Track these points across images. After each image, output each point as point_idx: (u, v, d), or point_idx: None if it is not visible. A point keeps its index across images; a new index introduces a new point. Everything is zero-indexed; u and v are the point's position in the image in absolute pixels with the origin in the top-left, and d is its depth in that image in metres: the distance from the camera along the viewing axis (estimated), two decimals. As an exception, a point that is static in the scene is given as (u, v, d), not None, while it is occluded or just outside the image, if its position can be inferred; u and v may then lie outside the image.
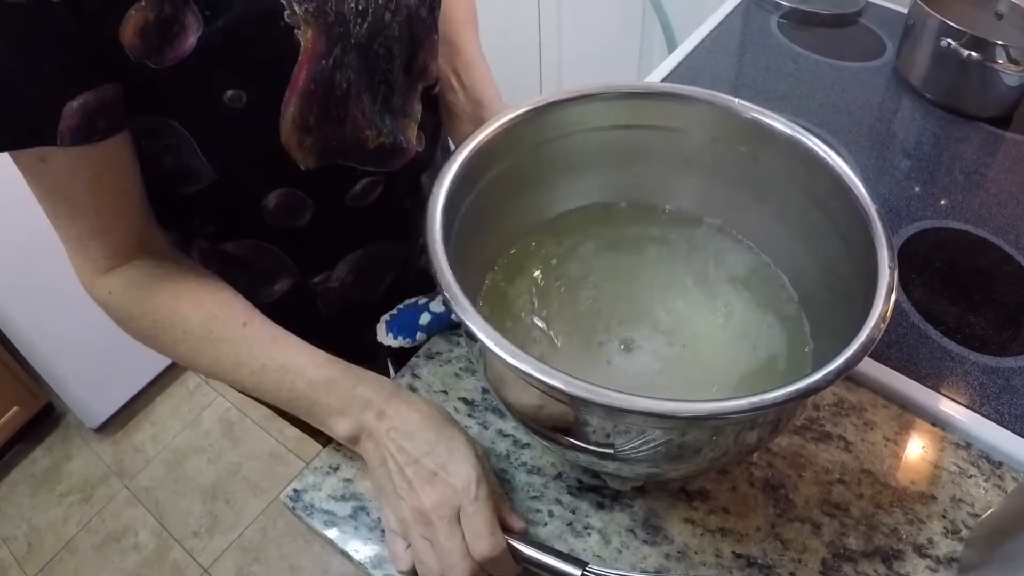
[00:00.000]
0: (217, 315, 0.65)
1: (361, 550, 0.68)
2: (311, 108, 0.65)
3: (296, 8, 0.60)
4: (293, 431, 2.00)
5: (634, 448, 0.57)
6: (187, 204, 0.71)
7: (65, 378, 1.88)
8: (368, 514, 0.70)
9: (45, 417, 2.07)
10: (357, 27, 0.66)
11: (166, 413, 2.08)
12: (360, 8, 0.66)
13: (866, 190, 0.63)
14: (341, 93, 0.67)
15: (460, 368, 0.80)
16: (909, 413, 0.76)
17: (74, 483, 1.96)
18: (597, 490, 0.71)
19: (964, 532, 0.67)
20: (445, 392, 0.78)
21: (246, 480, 1.92)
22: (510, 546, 0.60)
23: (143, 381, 2.07)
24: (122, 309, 0.66)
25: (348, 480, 0.72)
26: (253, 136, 0.65)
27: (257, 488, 1.90)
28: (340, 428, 0.64)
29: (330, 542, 0.69)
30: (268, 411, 2.13)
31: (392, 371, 1.19)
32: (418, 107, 0.82)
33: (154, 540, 1.83)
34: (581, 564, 0.61)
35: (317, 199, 0.75)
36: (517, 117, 0.69)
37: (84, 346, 1.86)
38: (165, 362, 2.11)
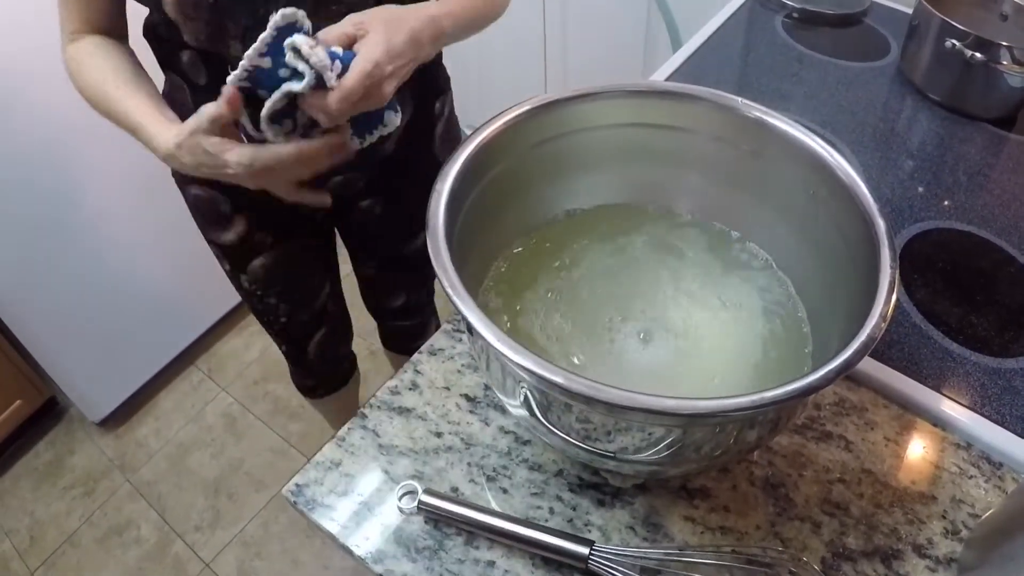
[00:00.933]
0: (127, 69, 0.85)
1: (362, 545, 0.68)
2: (186, 5, 0.80)
3: None
4: (296, 427, 2.01)
5: (634, 445, 0.58)
6: None
7: (69, 372, 1.88)
8: (370, 510, 0.70)
9: (48, 411, 2.07)
10: None
11: (169, 408, 2.08)
12: None
13: (868, 190, 0.63)
14: (210, 4, 0.79)
15: (462, 364, 0.81)
16: (910, 413, 0.76)
17: (77, 477, 1.96)
18: (598, 487, 0.71)
19: (964, 532, 0.68)
20: (447, 388, 0.79)
21: (248, 475, 1.92)
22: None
23: (146, 376, 2.08)
24: (74, 64, 0.86)
25: (350, 476, 0.73)
26: (151, 4, 0.83)
27: (259, 483, 1.90)
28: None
29: (331, 537, 0.69)
30: (271, 407, 2.14)
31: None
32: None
33: (156, 534, 1.84)
34: (588, 543, 0.63)
35: (206, 68, 0.89)
36: (522, 114, 0.69)
37: (88, 340, 1.87)
38: (169, 357, 2.11)
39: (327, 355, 1.37)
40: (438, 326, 1.41)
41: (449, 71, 1.09)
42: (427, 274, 1.27)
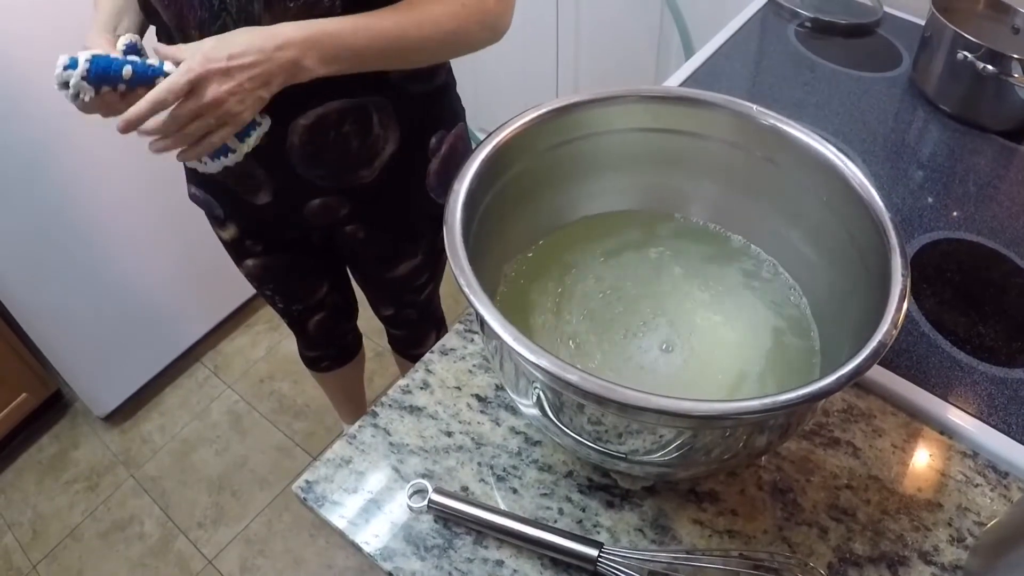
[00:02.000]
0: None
1: (371, 542, 0.69)
2: None
3: None
4: (301, 425, 2.01)
5: (645, 447, 0.58)
6: None
7: (75, 366, 1.89)
8: (379, 507, 0.71)
9: (53, 404, 2.08)
10: None
11: (174, 404, 2.09)
12: None
13: (881, 199, 0.63)
14: None
15: (474, 365, 0.81)
16: (917, 421, 0.77)
17: (80, 471, 1.97)
18: (607, 489, 0.71)
19: (969, 540, 0.68)
20: (458, 388, 0.79)
21: (253, 473, 1.93)
22: None
23: (152, 371, 2.08)
24: None
25: (360, 473, 0.73)
26: None
27: (263, 481, 1.90)
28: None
29: (340, 533, 0.70)
30: (277, 405, 2.15)
31: None
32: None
33: (159, 530, 1.84)
34: (597, 545, 0.63)
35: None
36: (538, 117, 0.70)
37: (94, 335, 1.87)
38: (175, 353, 2.12)
39: (328, 331, 1.45)
40: (439, 335, 1.43)
41: (460, 76, 1.07)
42: (411, 299, 1.29)
